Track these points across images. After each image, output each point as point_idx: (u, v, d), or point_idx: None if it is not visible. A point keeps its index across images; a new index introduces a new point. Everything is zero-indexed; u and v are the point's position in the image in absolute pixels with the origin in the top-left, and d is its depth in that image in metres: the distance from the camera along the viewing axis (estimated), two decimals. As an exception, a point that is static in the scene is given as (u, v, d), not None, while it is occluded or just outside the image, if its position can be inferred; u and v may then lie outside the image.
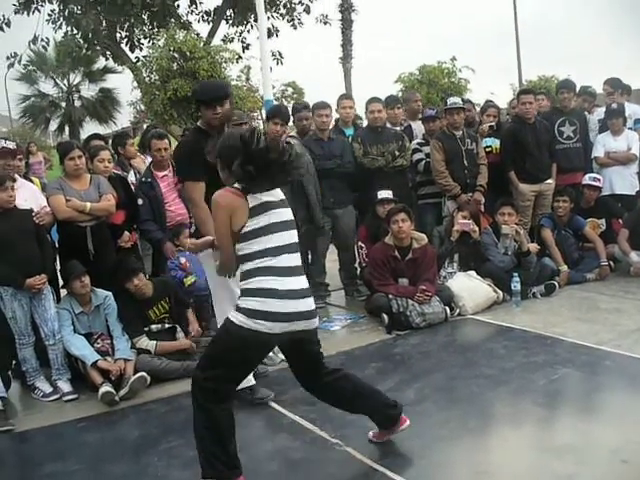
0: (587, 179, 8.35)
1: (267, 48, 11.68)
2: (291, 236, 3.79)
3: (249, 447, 4.43)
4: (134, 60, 19.62)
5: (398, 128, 8.52)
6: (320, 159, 7.43)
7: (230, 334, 3.66)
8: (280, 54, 20.84)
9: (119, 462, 4.38)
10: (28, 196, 5.93)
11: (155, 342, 5.89)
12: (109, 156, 6.56)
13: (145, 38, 19.74)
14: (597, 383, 5.18)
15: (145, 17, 19.86)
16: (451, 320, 6.87)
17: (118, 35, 20.12)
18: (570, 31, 67.16)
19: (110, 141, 7.93)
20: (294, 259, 3.75)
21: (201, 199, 4.94)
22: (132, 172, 7.45)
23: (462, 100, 8.83)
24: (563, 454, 3.98)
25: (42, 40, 19.75)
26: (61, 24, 19.37)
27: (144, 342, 5.88)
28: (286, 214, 3.80)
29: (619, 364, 5.41)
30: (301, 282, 3.75)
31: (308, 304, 3.73)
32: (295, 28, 21.29)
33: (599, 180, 8.32)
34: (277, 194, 3.78)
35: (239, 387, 5.04)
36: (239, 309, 3.62)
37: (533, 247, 7.67)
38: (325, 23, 22.55)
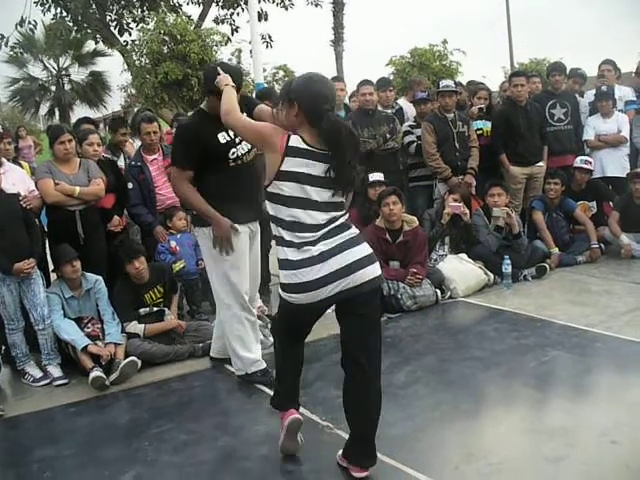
0: (578, 162, 8.35)
1: (257, 31, 11.58)
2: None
3: (241, 430, 4.45)
4: (124, 43, 19.49)
5: (389, 110, 8.50)
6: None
7: (281, 306, 3.73)
8: (270, 37, 20.74)
9: (110, 447, 4.37)
10: (16, 180, 5.90)
11: (143, 325, 5.88)
12: (98, 140, 6.51)
13: (134, 22, 19.60)
14: (587, 365, 5.19)
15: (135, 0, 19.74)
16: (442, 303, 6.89)
17: (108, 18, 19.96)
18: (562, 17, 67.10)
19: (108, 124, 7.86)
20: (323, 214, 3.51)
21: (181, 184, 4.93)
22: (122, 157, 7.41)
23: (455, 83, 8.81)
24: (553, 436, 3.99)
25: (29, 22, 19.58)
26: (50, 6, 19.20)
27: (132, 327, 5.88)
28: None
29: (609, 346, 5.43)
30: (336, 238, 3.48)
31: (348, 258, 3.46)
32: (286, 9, 21.18)
33: (590, 163, 8.33)
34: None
35: (251, 371, 5.12)
36: (280, 283, 3.62)
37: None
38: (316, 5, 22.45)
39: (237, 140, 4.91)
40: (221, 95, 4.28)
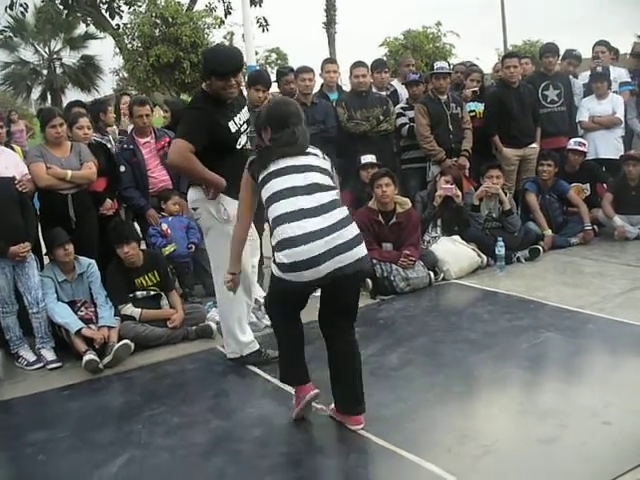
0: (572, 144, 8.33)
1: (250, 14, 11.55)
2: (305, 179, 3.88)
3: (235, 413, 4.46)
4: (115, 27, 19.35)
5: (384, 92, 8.46)
6: (303, 124, 7.38)
7: (274, 282, 3.95)
8: (265, 20, 20.61)
9: (103, 429, 4.37)
10: (10, 164, 5.86)
11: (140, 310, 5.87)
12: (88, 123, 6.47)
13: (126, 5, 19.46)
14: (580, 346, 5.20)
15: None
16: (435, 285, 6.89)
17: (98, 0, 19.81)
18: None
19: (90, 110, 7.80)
20: (311, 201, 3.81)
21: (187, 154, 4.78)
22: (110, 138, 7.39)
23: (448, 64, 8.79)
24: (545, 417, 4.01)
25: (20, 6, 19.43)
26: (40, -12, 19.08)
27: (129, 309, 5.87)
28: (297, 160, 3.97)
29: (602, 327, 5.44)
30: (325, 220, 3.76)
31: (336, 239, 3.74)
32: None
33: (584, 145, 8.31)
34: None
35: (246, 353, 5.17)
36: (273, 262, 3.85)
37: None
38: (308, -15, 22.37)
39: (242, 129, 5.04)
40: (223, 76, 4.81)
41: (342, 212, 3.86)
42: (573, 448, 3.69)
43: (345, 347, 4.08)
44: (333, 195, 3.92)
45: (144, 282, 6.06)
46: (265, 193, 3.91)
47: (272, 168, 3.91)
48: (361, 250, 3.82)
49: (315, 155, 4.05)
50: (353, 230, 3.85)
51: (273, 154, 3.95)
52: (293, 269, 3.70)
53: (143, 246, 6.63)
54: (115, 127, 7.90)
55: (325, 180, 3.95)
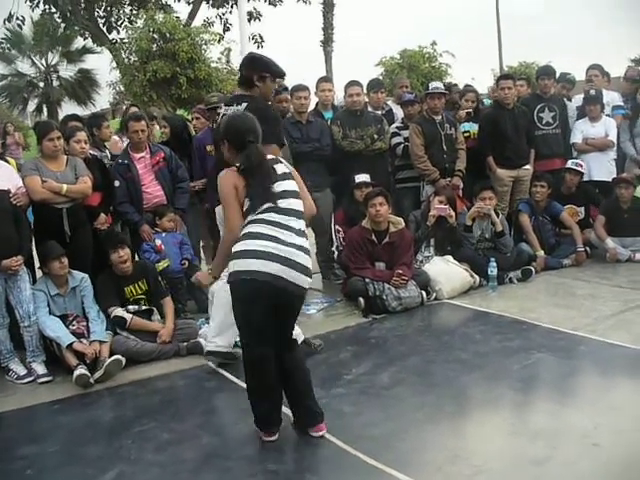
0: (569, 163, 8.37)
1: (247, 31, 11.64)
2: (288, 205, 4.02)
3: (225, 430, 4.48)
4: (113, 41, 19.40)
5: (379, 112, 8.49)
6: (298, 142, 7.41)
7: (231, 292, 3.98)
8: (261, 37, 20.72)
9: (93, 444, 4.36)
10: (3, 176, 5.84)
11: (131, 315, 5.88)
12: (85, 137, 6.47)
13: (121, 19, 19.52)
14: (571, 368, 5.21)
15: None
16: (427, 304, 6.89)
17: (96, 14, 19.87)
18: (552, 21, 67.45)
19: (86, 124, 7.81)
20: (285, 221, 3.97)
21: None
22: (107, 152, 7.40)
23: (444, 85, 8.84)
24: (536, 438, 4.01)
25: (17, 19, 19.47)
26: (38, 2, 19.10)
27: (119, 311, 5.87)
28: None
29: (593, 349, 5.45)
30: (288, 238, 3.92)
31: (294, 256, 3.90)
32: (275, 6, 21.18)
33: (581, 165, 8.34)
34: None
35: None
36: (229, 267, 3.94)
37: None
38: (305, 2, 22.47)
39: None
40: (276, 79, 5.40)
41: (306, 242, 4.05)
42: (563, 468, 3.69)
43: (298, 363, 4.20)
44: (303, 225, 4.10)
45: (134, 290, 6.07)
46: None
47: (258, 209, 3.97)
48: (308, 282, 4.02)
49: (285, 171, 4.15)
50: (309, 261, 4.03)
51: (259, 199, 3.96)
52: (245, 256, 3.84)
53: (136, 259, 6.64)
54: (119, 138, 7.91)
55: (299, 205, 4.10)
